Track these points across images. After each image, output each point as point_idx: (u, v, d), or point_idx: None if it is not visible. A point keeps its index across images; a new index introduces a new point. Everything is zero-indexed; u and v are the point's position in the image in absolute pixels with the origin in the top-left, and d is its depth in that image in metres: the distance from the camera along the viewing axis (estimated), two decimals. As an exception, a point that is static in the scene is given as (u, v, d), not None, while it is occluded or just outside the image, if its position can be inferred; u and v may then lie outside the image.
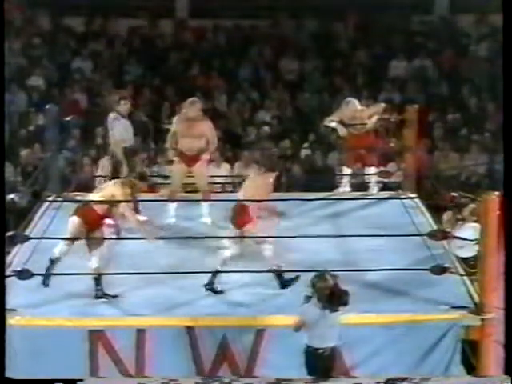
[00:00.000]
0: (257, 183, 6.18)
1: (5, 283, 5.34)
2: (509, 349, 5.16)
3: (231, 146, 10.37)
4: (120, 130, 7.44)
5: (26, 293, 5.92)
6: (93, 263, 5.94)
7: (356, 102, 8.02)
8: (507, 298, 5.24)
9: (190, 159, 7.25)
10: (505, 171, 5.33)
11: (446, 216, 7.31)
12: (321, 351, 5.07)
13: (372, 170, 8.19)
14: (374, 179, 8.19)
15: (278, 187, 9.12)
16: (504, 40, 5.37)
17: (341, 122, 7.99)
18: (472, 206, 6.54)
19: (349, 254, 6.66)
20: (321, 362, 5.10)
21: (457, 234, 6.68)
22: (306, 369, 5.17)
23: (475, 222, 6.40)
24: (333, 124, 8.05)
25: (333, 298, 4.99)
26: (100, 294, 5.90)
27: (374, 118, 8.07)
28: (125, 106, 7.49)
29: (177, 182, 7.38)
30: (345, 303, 5.02)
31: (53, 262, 6.00)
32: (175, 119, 7.41)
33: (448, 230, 6.82)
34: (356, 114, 7.94)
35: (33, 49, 12.20)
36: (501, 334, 5.56)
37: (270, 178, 6.20)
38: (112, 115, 7.49)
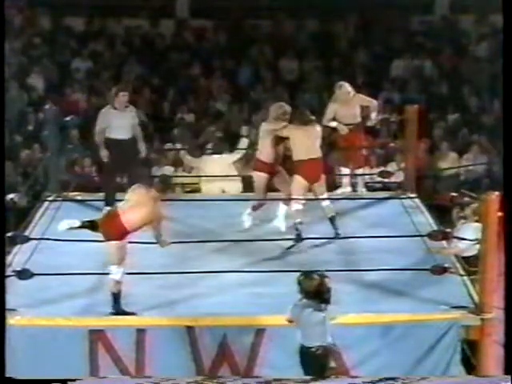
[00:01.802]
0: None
1: (5, 283, 5.33)
2: (509, 349, 5.15)
3: (231, 145, 10.37)
4: (112, 122, 7.34)
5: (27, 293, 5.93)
6: (115, 276, 5.66)
7: (347, 85, 7.93)
8: (507, 298, 5.23)
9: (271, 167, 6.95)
10: (505, 171, 5.33)
11: (455, 214, 7.28)
12: (313, 350, 5.11)
13: (360, 170, 8.18)
14: (360, 179, 8.15)
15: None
16: (504, 40, 5.37)
17: (338, 121, 7.95)
18: (474, 205, 6.54)
19: (348, 253, 6.66)
20: (314, 361, 5.14)
21: (458, 233, 6.69)
22: (301, 367, 5.20)
23: (477, 221, 6.40)
24: (333, 124, 8.03)
25: (317, 296, 5.07)
26: (120, 311, 5.73)
27: (374, 115, 8.02)
28: (123, 98, 7.38)
29: (262, 191, 6.97)
30: (326, 301, 5.07)
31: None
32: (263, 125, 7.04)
33: (453, 228, 6.85)
34: (348, 97, 7.84)
35: (33, 48, 12.19)
36: (501, 333, 5.57)
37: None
38: (105, 108, 7.44)
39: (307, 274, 5.12)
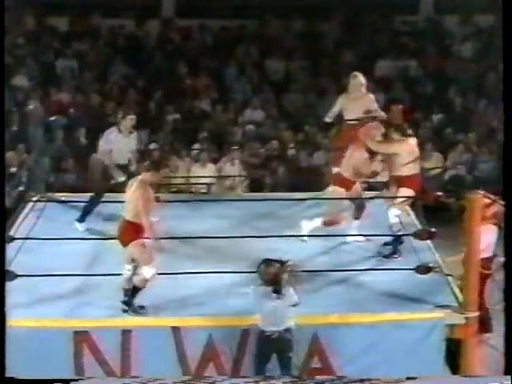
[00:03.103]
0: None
1: (5, 283, 5.28)
2: (509, 349, 5.14)
3: (217, 146, 10.37)
4: (115, 146, 7.08)
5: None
6: (146, 274, 5.65)
7: (362, 77, 7.68)
8: (507, 298, 5.23)
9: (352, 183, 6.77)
10: (504, 171, 5.31)
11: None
12: (268, 334, 5.25)
13: None
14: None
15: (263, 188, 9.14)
16: (504, 40, 5.37)
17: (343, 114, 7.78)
18: (494, 207, 6.54)
19: (334, 253, 6.68)
20: (269, 345, 5.26)
21: None
22: (256, 350, 5.32)
23: (495, 224, 6.42)
24: (327, 119, 7.92)
25: (272, 284, 5.21)
26: (132, 307, 5.75)
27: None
28: (131, 122, 7.09)
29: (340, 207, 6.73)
30: (277, 291, 5.20)
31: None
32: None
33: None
34: (359, 90, 7.56)
35: (17, 48, 12.12)
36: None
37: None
38: (111, 130, 7.16)
39: (267, 262, 5.25)
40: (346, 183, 6.70)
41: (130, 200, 5.69)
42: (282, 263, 5.25)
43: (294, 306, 5.28)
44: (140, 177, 5.76)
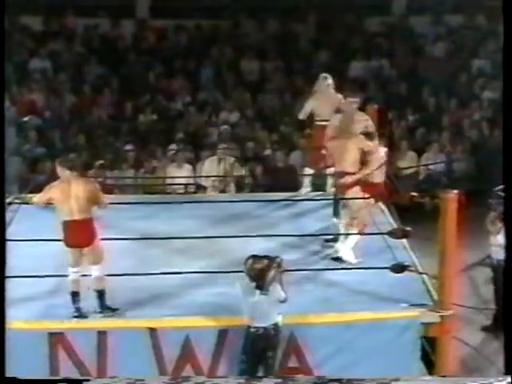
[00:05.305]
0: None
1: (5, 282, 5.22)
2: (509, 349, 5.15)
3: (193, 146, 10.35)
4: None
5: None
6: (97, 273, 5.64)
7: (330, 79, 7.83)
8: (507, 299, 5.25)
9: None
10: (504, 170, 5.35)
11: (489, 217, 7.23)
12: (253, 330, 5.26)
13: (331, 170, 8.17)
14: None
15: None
16: (504, 40, 5.41)
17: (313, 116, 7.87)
18: None
19: (308, 254, 6.70)
20: (254, 341, 5.26)
21: (498, 236, 6.80)
22: (242, 347, 5.32)
23: None
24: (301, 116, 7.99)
25: (255, 280, 5.23)
26: (104, 308, 5.71)
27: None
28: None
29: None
30: (260, 287, 5.21)
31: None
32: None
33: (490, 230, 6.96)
34: (328, 91, 7.69)
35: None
36: (459, 330, 5.65)
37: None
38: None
39: (254, 258, 5.26)
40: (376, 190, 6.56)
41: (79, 198, 5.54)
42: (271, 260, 5.25)
43: (282, 302, 5.29)
44: (71, 177, 5.62)
